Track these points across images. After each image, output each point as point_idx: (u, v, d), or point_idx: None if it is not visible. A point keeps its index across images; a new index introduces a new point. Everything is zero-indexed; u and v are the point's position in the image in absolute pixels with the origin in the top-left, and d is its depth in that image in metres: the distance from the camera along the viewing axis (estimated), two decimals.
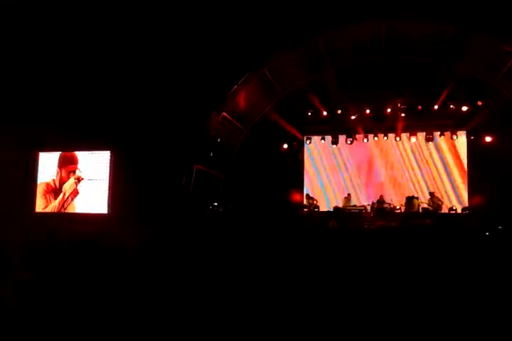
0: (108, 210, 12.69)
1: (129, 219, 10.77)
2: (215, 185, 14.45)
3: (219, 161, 14.27)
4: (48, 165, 13.42)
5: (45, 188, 13.34)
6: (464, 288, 4.65)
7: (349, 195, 14.55)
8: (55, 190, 13.28)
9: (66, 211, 13.08)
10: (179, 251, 6.77)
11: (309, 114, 15.09)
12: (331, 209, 13.86)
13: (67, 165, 13.30)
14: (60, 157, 13.38)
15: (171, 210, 11.47)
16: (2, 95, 12.65)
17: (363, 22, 11.73)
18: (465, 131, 14.35)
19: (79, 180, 13.10)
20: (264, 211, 12.03)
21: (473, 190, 13.88)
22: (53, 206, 13.21)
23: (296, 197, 15.27)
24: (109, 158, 12.93)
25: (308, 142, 15.76)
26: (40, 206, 13.29)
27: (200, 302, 4.34)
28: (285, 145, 15.57)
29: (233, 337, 3.59)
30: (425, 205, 13.02)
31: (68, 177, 13.29)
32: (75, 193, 13.15)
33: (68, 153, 13.32)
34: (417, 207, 12.99)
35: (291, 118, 14.96)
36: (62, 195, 13.19)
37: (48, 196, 13.38)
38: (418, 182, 14.64)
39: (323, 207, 14.73)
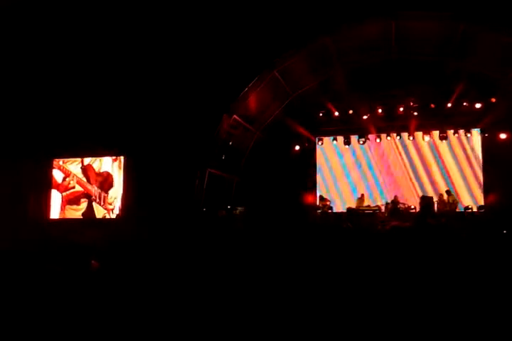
0: (122, 214, 12.82)
1: (142, 224, 10.82)
2: (228, 188, 14.46)
3: (231, 164, 14.29)
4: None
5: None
6: (480, 288, 4.56)
7: (362, 195, 14.44)
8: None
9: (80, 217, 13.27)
10: (192, 254, 6.76)
11: (320, 114, 15.03)
12: (345, 210, 13.78)
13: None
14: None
15: (185, 214, 11.51)
16: (18, 104, 12.83)
17: (372, 21, 11.69)
18: (479, 129, 14.17)
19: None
20: (277, 213, 12.00)
21: (488, 189, 13.69)
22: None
23: (309, 198, 15.20)
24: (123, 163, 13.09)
25: (320, 143, 15.68)
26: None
27: (211, 304, 4.32)
28: (297, 147, 15.52)
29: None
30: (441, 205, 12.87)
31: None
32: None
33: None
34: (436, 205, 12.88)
35: (302, 119, 14.92)
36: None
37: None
38: (433, 182, 14.48)
39: (337, 208, 14.64)
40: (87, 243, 8.22)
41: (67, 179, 13.52)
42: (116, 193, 13.06)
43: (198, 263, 6.09)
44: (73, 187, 13.44)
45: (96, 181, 13.31)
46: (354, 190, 15.07)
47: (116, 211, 12.98)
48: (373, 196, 14.66)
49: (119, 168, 13.13)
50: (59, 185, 13.59)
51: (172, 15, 11.66)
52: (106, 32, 11.88)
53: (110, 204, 13.08)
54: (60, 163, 13.66)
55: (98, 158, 13.39)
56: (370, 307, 4.24)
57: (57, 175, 13.63)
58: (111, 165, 13.26)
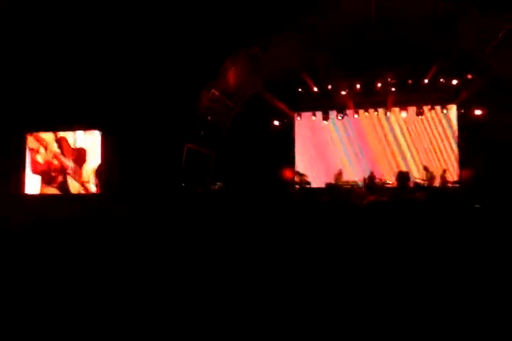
0: (99, 190, 12.71)
1: (120, 199, 10.77)
2: (207, 164, 14.43)
3: (210, 139, 14.22)
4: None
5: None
6: (455, 264, 4.71)
7: (340, 170, 14.58)
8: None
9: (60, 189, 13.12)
10: (172, 230, 6.78)
11: (300, 90, 15.01)
12: (323, 186, 13.92)
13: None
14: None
15: (163, 189, 11.48)
16: None
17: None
18: (455, 105, 14.37)
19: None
20: (255, 188, 12.08)
21: (463, 164, 13.99)
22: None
23: (287, 173, 15.32)
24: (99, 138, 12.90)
25: (298, 118, 15.72)
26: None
27: (191, 283, 4.37)
28: (276, 122, 15.53)
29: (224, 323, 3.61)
30: (419, 180, 13.10)
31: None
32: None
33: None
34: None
35: (281, 94, 14.87)
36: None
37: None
38: (408, 157, 14.71)
39: (315, 184, 14.78)
40: (66, 218, 8.17)
41: (48, 153, 13.28)
42: (91, 168, 12.89)
43: (178, 240, 6.12)
44: (52, 162, 13.23)
45: (72, 155, 13.12)
46: (332, 165, 15.21)
47: (92, 186, 12.85)
48: (351, 172, 14.83)
49: (94, 142, 12.93)
50: (41, 164, 13.35)
51: None
52: (83, 7, 11.51)
53: (86, 178, 12.93)
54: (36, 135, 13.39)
55: (71, 132, 13.15)
56: (350, 280, 4.35)
57: (35, 146, 13.35)
58: (83, 140, 13.06)
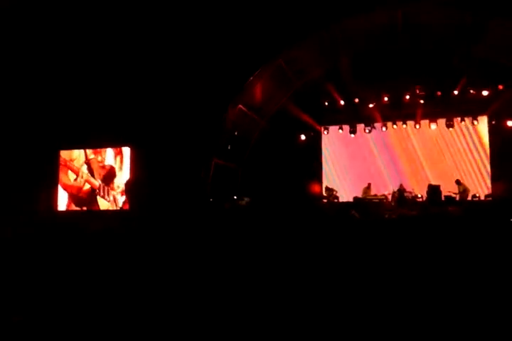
0: (128, 206, 12.86)
1: (148, 215, 10.86)
2: (234, 179, 14.46)
3: (237, 154, 14.27)
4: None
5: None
6: (483, 277, 4.56)
7: (369, 184, 14.35)
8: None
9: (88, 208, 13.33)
10: (199, 245, 6.79)
11: (326, 103, 14.95)
12: (351, 200, 13.75)
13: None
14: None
15: (191, 205, 11.53)
16: (22, 95, 12.85)
17: (379, 10, 11.54)
18: (486, 117, 14.06)
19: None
20: (282, 203, 12.01)
21: (495, 176, 13.62)
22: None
23: (315, 188, 15.18)
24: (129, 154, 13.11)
25: (325, 132, 15.64)
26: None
27: (217, 296, 4.35)
28: (302, 137, 15.48)
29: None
30: (450, 193, 12.79)
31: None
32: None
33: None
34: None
35: (307, 108, 14.83)
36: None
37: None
38: (439, 170, 14.40)
39: (343, 198, 14.61)
40: (95, 234, 8.28)
41: (78, 179, 13.56)
42: (120, 185, 13.09)
43: (205, 256, 6.12)
44: (83, 186, 13.51)
45: (99, 174, 13.35)
46: (360, 179, 15.01)
47: (120, 204, 13.03)
48: (379, 185, 14.60)
49: (122, 161, 13.15)
50: (71, 186, 13.62)
51: (179, 6, 11.58)
52: (110, 24, 11.83)
53: (114, 197, 13.13)
54: (68, 163, 13.67)
55: (101, 151, 13.40)
56: (378, 295, 4.26)
57: (70, 176, 13.67)
58: (113, 158, 13.29)
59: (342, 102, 14.74)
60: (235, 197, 13.33)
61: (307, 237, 6.85)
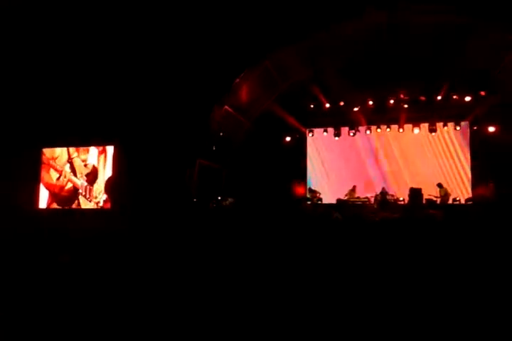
0: (110, 206, 12.77)
1: (131, 214, 10.80)
2: (218, 179, 14.46)
3: (222, 155, 14.27)
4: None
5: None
6: (467, 279, 4.64)
7: (354, 186, 14.45)
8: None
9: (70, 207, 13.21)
10: (183, 245, 6.77)
11: (311, 106, 15.06)
12: (334, 202, 13.84)
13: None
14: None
15: (174, 205, 11.49)
16: (5, 93, 12.68)
17: (364, 15, 11.65)
18: (468, 122, 14.29)
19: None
20: (267, 204, 12.04)
21: (476, 181, 13.85)
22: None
23: (299, 190, 15.27)
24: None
25: (310, 135, 15.74)
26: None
27: (202, 295, 4.35)
28: (288, 138, 15.57)
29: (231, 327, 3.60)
30: (431, 197, 12.97)
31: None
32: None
33: None
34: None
35: (293, 111, 14.91)
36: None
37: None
38: (421, 174, 14.58)
39: (327, 200, 14.71)
40: (77, 234, 8.20)
41: (61, 178, 13.43)
42: (101, 186, 13.00)
43: (189, 255, 6.11)
44: (66, 185, 13.39)
45: (82, 174, 13.24)
46: (344, 181, 15.13)
47: (101, 203, 12.94)
48: (363, 188, 14.73)
49: (105, 160, 13.05)
50: (53, 185, 13.47)
51: (164, 7, 11.54)
52: (93, 23, 11.75)
53: (96, 197, 13.03)
54: (51, 161, 13.52)
55: (84, 150, 13.29)
56: (360, 295, 4.30)
57: (52, 174, 13.52)
58: (97, 158, 13.19)
59: (327, 105, 14.86)
60: (219, 198, 13.32)
61: (289, 238, 6.88)
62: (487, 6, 10.28)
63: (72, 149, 13.46)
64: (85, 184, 13.13)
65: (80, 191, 13.17)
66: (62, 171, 13.37)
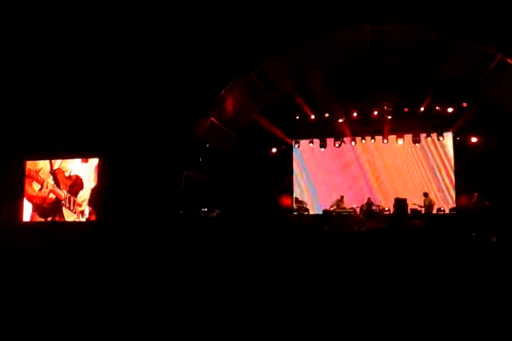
0: (95, 218, 12.64)
1: (116, 226, 10.71)
2: (205, 191, 14.43)
3: (208, 166, 14.27)
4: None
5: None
6: (446, 285, 4.69)
7: (342, 196, 14.46)
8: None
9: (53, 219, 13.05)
10: (169, 257, 6.73)
11: (297, 117, 15.17)
12: (321, 212, 13.88)
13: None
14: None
15: (161, 216, 11.43)
16: None
17: (349, 27, 11.87)
18: (451, 132, 14.49)
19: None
20: (253, 215, 12.04)
21: (460, 191, 14.01)
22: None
23: (285, 200, 15.29)
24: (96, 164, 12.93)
25: (296, 146, 15.82)
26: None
27: (189, 307, 4.33)
28: (274, 150, 15.63)
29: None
30: (416, 206, 13.07)
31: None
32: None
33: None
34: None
35: (279, 122, 14.99)
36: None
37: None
38: (406, 184, 14.71)
39: (313, 210, 14.76)
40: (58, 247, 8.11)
41: (43, 189, 13.29)
42: (85, 196, 12.87)
43: (175, 267, 6.08)
44: (47, 196, 13.23)
45: (65, 185, 13.11)
46: (330, 192, 15.19)
47: (86, 214, 12.80)
48: (349, 198, 14.79)
49: (89, 169, 12.94)
50: (35, 196, 13.32)
51: (150, 21, 11.62)
52: (82, 35, 11.77)
53: (80, 206, 12.89)
54: (33, 173, 13.37)
55: (67, 161, 13.17)
56: (348, 307, 4.31)
57: (34, 186, 13.37)
58: (80, 168, 13.08)
59: (313, 117, 14.98)
60: (206, 209, 13.29)
61: (276, 249, 6.88)
62: (458, 19, 10.53)
63: (54, 161, 13.33)
64: (68, 194, 13.00)
65: (63, 202, 13.03)
66: (43, 182, 13.23)
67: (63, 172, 13.18)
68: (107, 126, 12.36)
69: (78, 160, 13.16)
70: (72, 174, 13.12)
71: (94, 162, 12.96)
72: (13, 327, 3.81)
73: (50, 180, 13.21)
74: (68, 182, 13.10)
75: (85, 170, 13.00)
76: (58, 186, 13.15)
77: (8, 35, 11.61)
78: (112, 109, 12.35)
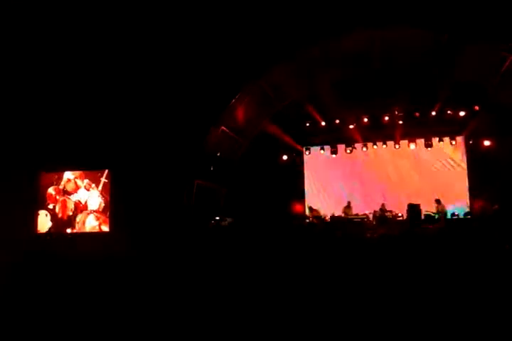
0: (110, 229, 12.74)
1: (131, 237, 10.76)
2: (217, 199, 14.46)
3: (219, 175, 14.30)
4: None
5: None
6: (463, 291, 4.64)
7: (349, 203, 14.41)
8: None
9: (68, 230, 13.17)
10: (183, 267, 6.76)
11: (307, 124, 15.19)
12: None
13: None
14: None
15: (174, 226, 11.47)
16: (3, 117, 12.75)
17: (357, 32, 11.84)
18: (463, 136, 14.38)
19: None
20: (265, 223, 12.03)
21: (474, 195, 13.85)
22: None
23: (297, 208, 15.26)
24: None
25: (307, 153, 15.80)
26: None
27: (203, 314, 4.34)
28: (284, 157, 15.63)
29: None
30: (430, 213, 12.93)
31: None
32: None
33: None
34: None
35: (289, 129, 15.02)
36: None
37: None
38: (419, 189, 14.57)
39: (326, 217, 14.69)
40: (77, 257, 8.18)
41: (60, 202, 13.45)
42: (99, 208, 13.02)
43: (188, 273, 6.10)
44: (65, 209, 13.38)
45: (81, 197, 13.27)
46: (342, 198, 15.09)
47: (96, 227, 12.93)
48: (361, 204, 14.70)
49: (103, 182, 13.09)
50: (53, 209, 13.50)
51: (158, 28, 11.73)
52: (87, 46, 11.91)
53: (97, 218, 13.01)
54: (50, 189, 13.52)
55: (83, 174, 13.33)
56: (360, 313, 4.29)
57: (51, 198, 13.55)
58: (95, 181, 13.24)
59: (323, 123, 14.97)
60: (218, 218, 13.31)
61: (288, 256, 6.87)
62: (468, 22, 10.48)
63: (69, 173, 13.47)
64: (86, 205, 13.14)
65: (82, 212, 13.16)
66: (61, 194, 13.37)
67: (76, 183, 13.34)
68: (119, 137, 12.47)
69: (94, 173, 13.30)
70: (87, 186, 13.28)
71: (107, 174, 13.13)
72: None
73: (70, 194, 13.39)
74: (85, 194, 13.27)
75: (100, 182, 13.15)
76: (69, 197, 13.32)
77: (32, 45, 11.76)
78: (122, 121, 12.45)
